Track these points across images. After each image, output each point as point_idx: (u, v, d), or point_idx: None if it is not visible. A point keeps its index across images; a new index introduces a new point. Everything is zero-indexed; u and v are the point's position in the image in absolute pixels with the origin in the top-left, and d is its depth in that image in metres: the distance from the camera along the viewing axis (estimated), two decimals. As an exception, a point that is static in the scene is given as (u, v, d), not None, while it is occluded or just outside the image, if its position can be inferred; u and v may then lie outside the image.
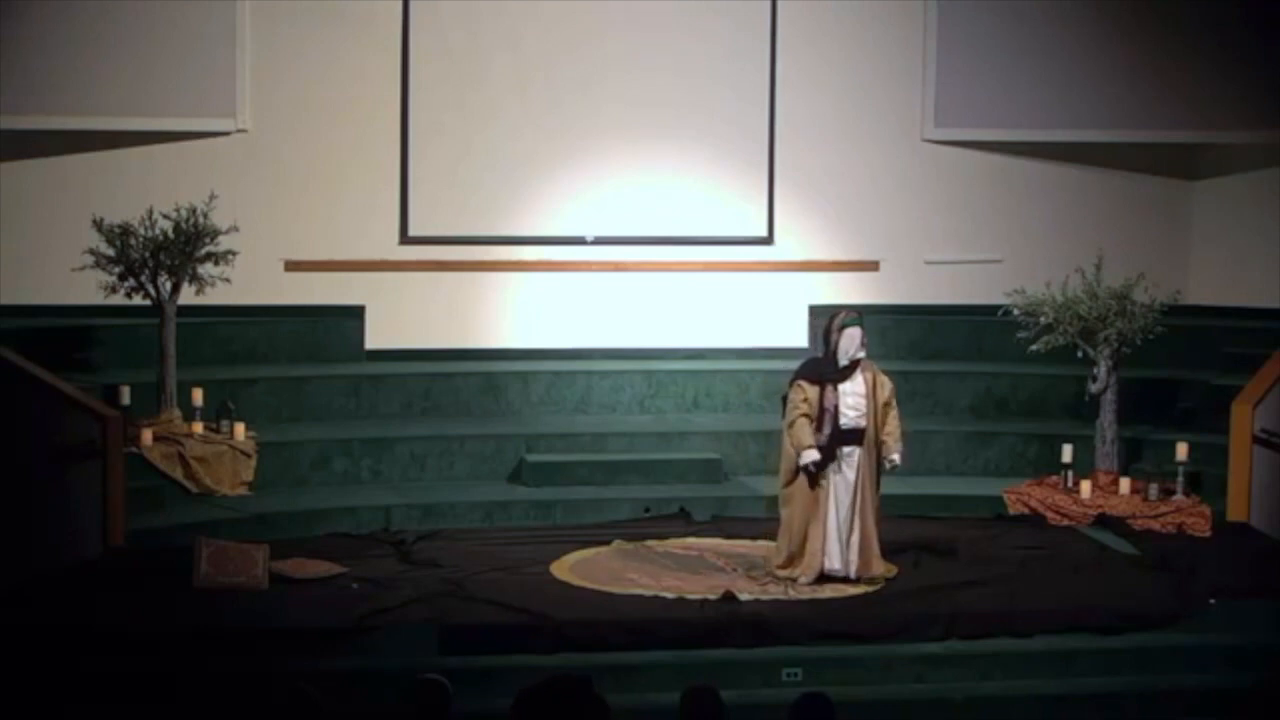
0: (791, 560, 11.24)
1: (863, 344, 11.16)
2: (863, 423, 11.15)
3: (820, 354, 11.41)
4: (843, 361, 11.15)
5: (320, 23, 14.38)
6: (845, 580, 11.17)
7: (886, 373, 11.43)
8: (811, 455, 11.08)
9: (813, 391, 11.13)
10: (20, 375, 11.38)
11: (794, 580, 11.14)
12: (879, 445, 11.23)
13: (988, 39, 15.03)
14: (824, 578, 11.18)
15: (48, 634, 9.93)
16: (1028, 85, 15.03)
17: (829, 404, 11.10)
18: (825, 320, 11.51)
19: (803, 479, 11.17)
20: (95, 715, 9.49)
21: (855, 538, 11.19)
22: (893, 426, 11.26)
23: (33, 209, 14.00)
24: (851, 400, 11.14)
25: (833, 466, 11.14)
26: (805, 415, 11.10)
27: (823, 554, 11.18)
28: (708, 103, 14.88)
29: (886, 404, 11.25)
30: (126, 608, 10.42)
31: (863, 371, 11.20)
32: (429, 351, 14.56)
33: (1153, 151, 15.39)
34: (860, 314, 11.43)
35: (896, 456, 11.26)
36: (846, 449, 11.16)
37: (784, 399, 11.34)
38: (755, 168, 15.02)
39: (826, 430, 11.10)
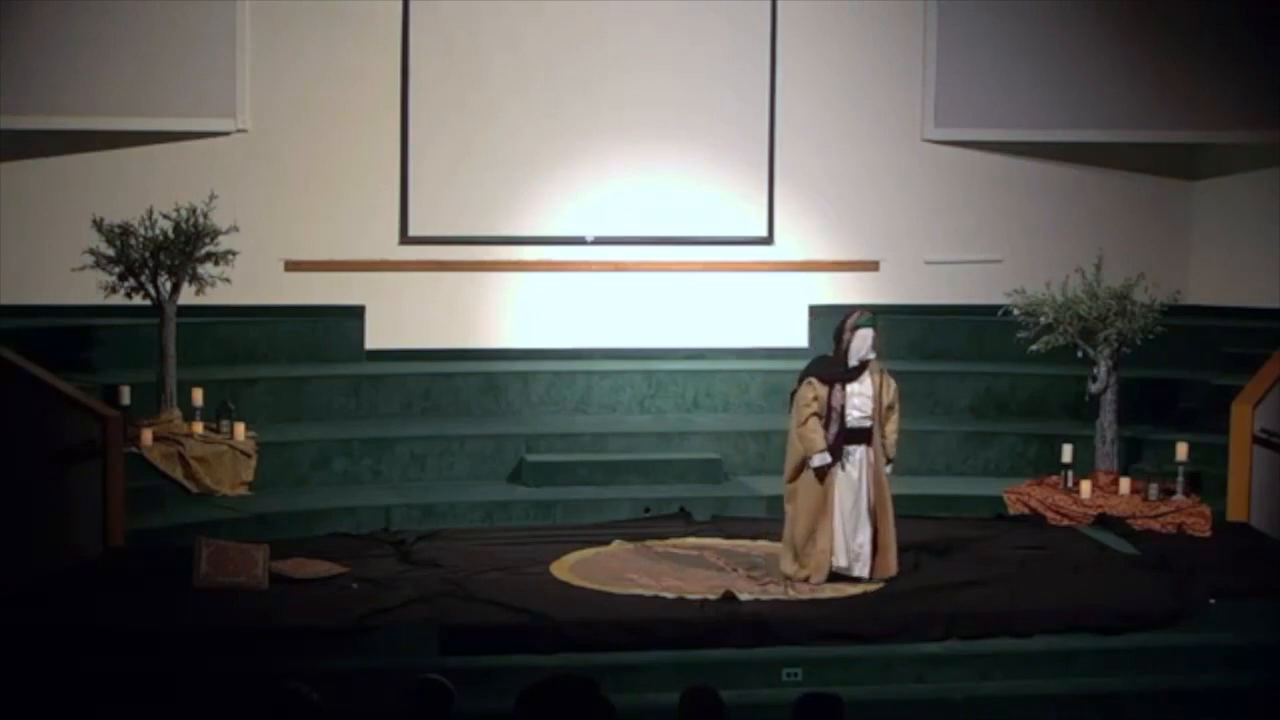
0: (796, 556, 11.25)
1: (874, 345, 11.18)
2: (868, 423, 11.20)
3: (830, 352, 11.41)
4: (853, 362, 11.17)
5: (320, 23, 14.38)
6: (857, 579, 11.19)
7: (892, 374, 11.46)
8: (824, 458, 11.11)
9: (823, 390, 11.15)
10: (20, 375, 11.38)
11: (806, 580, 11.14)
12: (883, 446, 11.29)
13: (988, 39, 15.03)
14: (832, 576, 11.20)
15: (48, 634, 9.92)
16: (1028, 85, 15.03)
17: (836, 403, 11.12)
18: (838, 318, 11.50)
19: (807, 475, 11.19)
20: (95, 715, 9.49)
21: (865, 536, 11.23)
22: (891, 429, 11.31)
23: (33, 209, 14.00)
24: (859, 401, 11.17)
25: (836, 465, 11.17)
26: (816, 414, 11.12)
27: (831, 553, 11.20)
28: (708, 103, 14.87)
29: (890, 406, 11.29)
30: (126, 608, 10.42)
31: (871, 373, 11.23)
32: (429, 351, 14.56)
33: (1153, 151, 15.39)
34: (874, 314, 11.44)
35: (887, 468, 11.32)
36: (850, 447, 11.18)
37: (792, 395, 11.35)
38: (755, 168, 15.01)
39: (833, 429, 11.13)
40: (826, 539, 11.19)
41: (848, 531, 11.20)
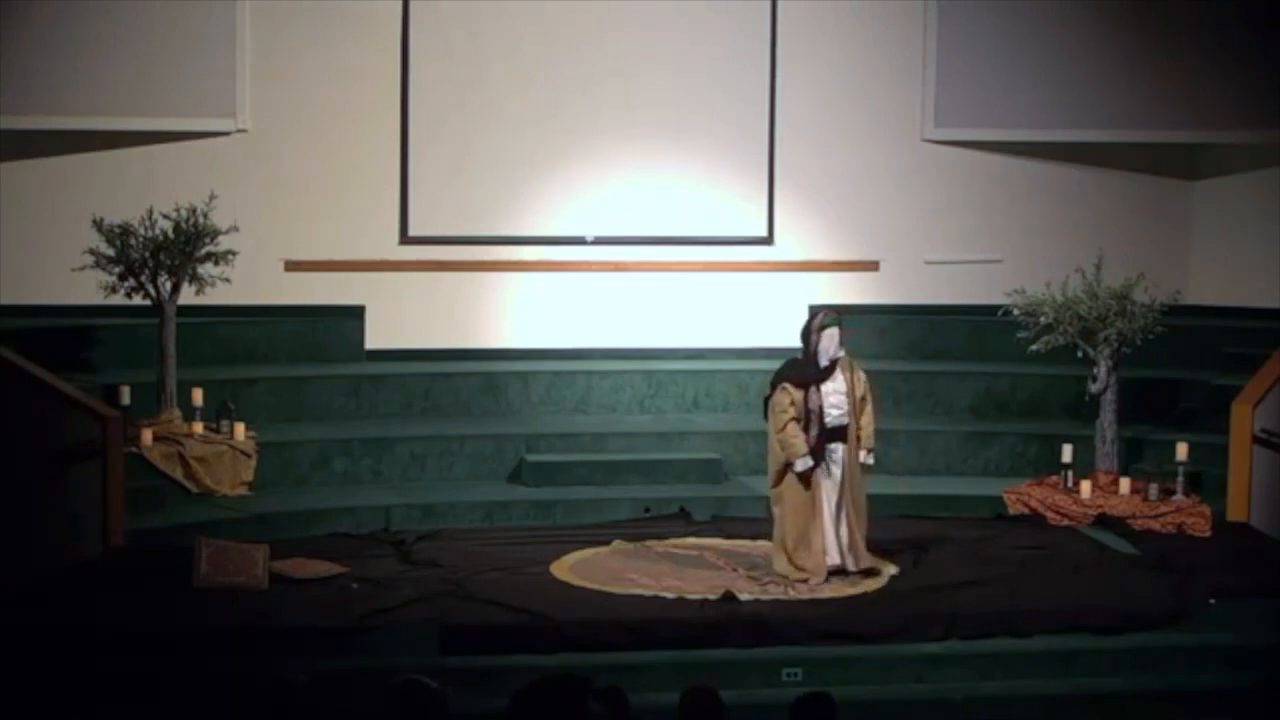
0: (790, 558, 11.26)
1: (841, 343, 11.22)
2: (845, 420, 11.27)
3: (799, 354, 11.45)
4: (823, 362, 11.21)
5: (320, 23, 14.38)
6: (847, 574, 11.23)
7: (866, 371, 11.53)
8: (806, 462, 11.15)
9: (798, 394, 11.19)
10: (20, 375, 11.39)
11: (805, 581, 11.15)
12: (858, 440, 11.34)
13: (988, 39, 15.03)
14: (830, 574, 11.23)
15: (48, 634, 9.92)
16: (1028, 85, 15.02)
17: (813, 405, 11.17)
18: (805, 320, 11.55)
19: (792, 478, 11.23)
20: (95, 715, 9.49)
21: (844, 530, 11.27)
22: (866, 421, 11.38)
23: (33, 209, 14.00)
24: (834, 399, 11.24)
25: (821, 466, 11.20)
26: (794, 419, 11.16)
27: (825, 552, 11.23)
28: (708, 103, 14.87)
29: (863, 399, 11.37)
30: (126, 608, 10.42)
31: (842, 370, 11.28)
32: (429, 351, 14.56)
33: (1153, 151, 15.38)
34: (839, 313, 11.50)
35: (868, 458, 11.40)
36: (831, 446, 11.23)
37: (766, 400, 11.39)
38: (755, 168, 15.01)
39: (814, 431, 11.18)
40: (820, 539, 11.22)
41: (834, 528, 11.26)
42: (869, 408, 11.40)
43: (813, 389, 11.20)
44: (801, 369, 11.32)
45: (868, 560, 11.35)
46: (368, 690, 9.58)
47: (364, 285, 14.59)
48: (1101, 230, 14.95)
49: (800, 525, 11.22)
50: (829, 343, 11.21)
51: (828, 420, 11.19)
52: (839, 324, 11.27)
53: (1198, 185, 15.60)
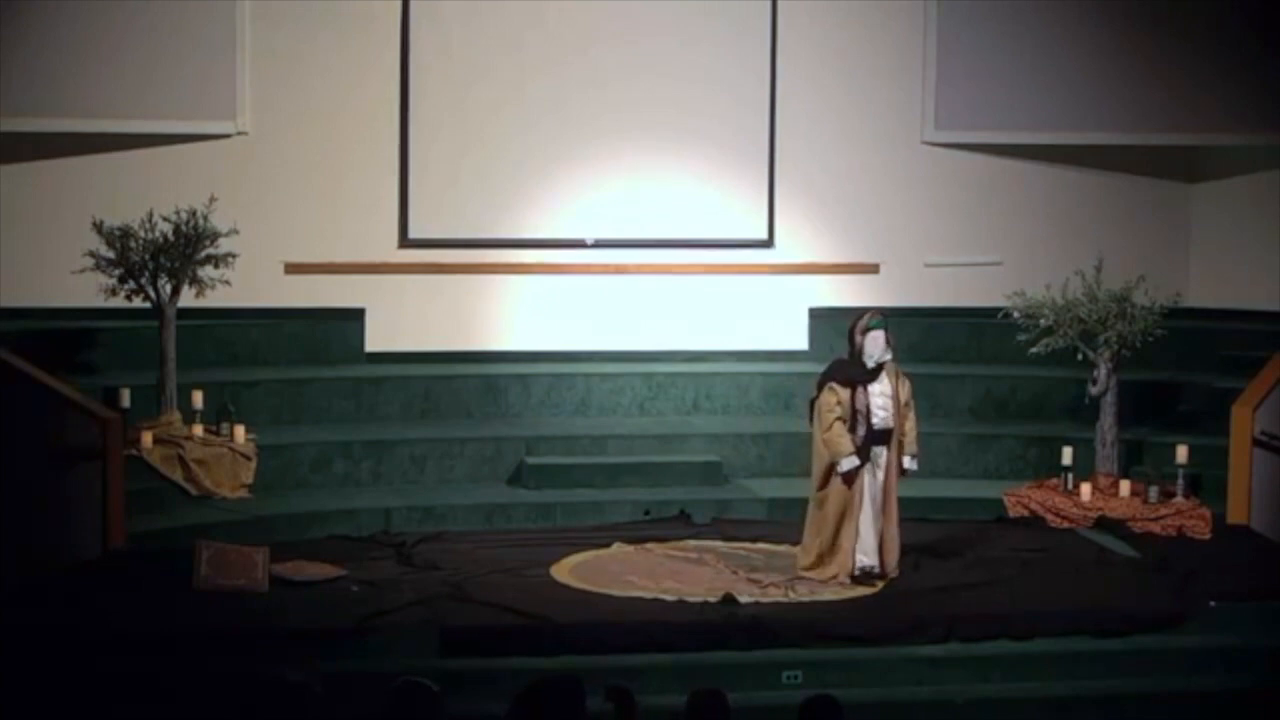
0: (821, 559, 11.26)
1: (889, 345, 11.20)
2: (891, 423, 11.26)
3: (844, 355, 11.43)
4: (870, 364, 11.19)
5: (320, 25, 14.37)
6: (872, 577, 11.25)
7: (906, 375, 11.50)
8: (853, 461, 11.13)
9: (845, 394, 11.17)
10: (21, 377, 11.39)
11: (835, 578, 11.16)
12: (899, 444, 11.33)
13: (988, 41, 15.02)
14: (858, 575, 11.24)
15: (47, 635, 9.92)
16: (1028, 88, 15.02)
17: (860, 405, 11.14)
18: (838, 321, 11.56)
19: (838, 481, 11.20)
20: (94, 716, 9.49)
21: (878, 533, 11.28)
22: (910, 427, 11.37)
23: (33, 211, 13.99)
24: (880, 401, 11.24)
25: (866, 466, 11.20)
26: (841, 419, 11.14)
27: (857, 552, 11.24)
28: (708, 105, 14.86)
29: (906, 404, 11.36)
30: (126, 610, 10.42)
31: (888, 373, 11.28)
32: (429, 354, 14.54)
33: (1152, 154, 15.38)
34: (885, 315, 11.46)
35: (911, 464, 11.38)
36: (876, 448, 11.22)
37: (812, 402, 11.37)
38: (756, 170, 15.00)
39: (860, 432, 11.16)
40: (851, 540, 11.21)
41: (874, 530, 11.26)
42: (913, 414, 11.40)
43: (859, 389, 11.19)
44: (848, 369, 11.30)
45: (892, 567, 11.35)
46: (368, 693, 9.57)
47: (364, 287, 14.58)
48: (1101, 232, 14.95)
49: (838, 526, 11.20)
50: (874, 345, 11.19)
51: (874, 422, 11.19)
52: (884, 326, 11.25)
53: (1197, 187, 15.60)
